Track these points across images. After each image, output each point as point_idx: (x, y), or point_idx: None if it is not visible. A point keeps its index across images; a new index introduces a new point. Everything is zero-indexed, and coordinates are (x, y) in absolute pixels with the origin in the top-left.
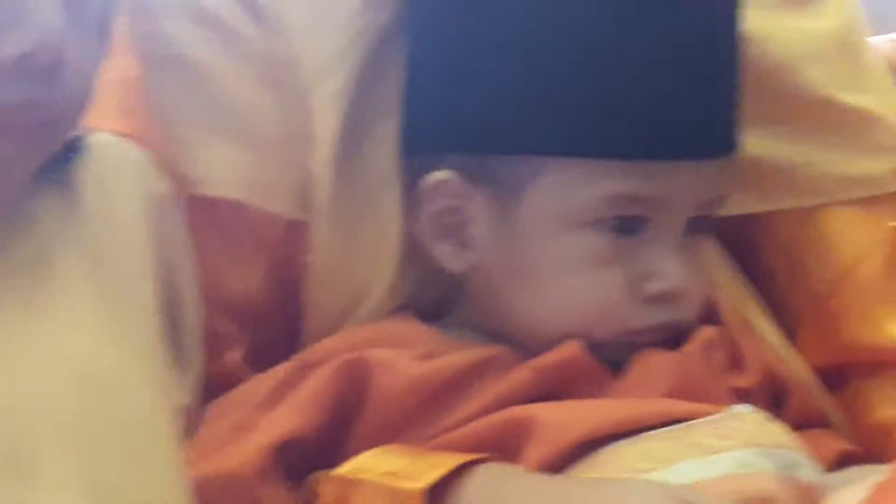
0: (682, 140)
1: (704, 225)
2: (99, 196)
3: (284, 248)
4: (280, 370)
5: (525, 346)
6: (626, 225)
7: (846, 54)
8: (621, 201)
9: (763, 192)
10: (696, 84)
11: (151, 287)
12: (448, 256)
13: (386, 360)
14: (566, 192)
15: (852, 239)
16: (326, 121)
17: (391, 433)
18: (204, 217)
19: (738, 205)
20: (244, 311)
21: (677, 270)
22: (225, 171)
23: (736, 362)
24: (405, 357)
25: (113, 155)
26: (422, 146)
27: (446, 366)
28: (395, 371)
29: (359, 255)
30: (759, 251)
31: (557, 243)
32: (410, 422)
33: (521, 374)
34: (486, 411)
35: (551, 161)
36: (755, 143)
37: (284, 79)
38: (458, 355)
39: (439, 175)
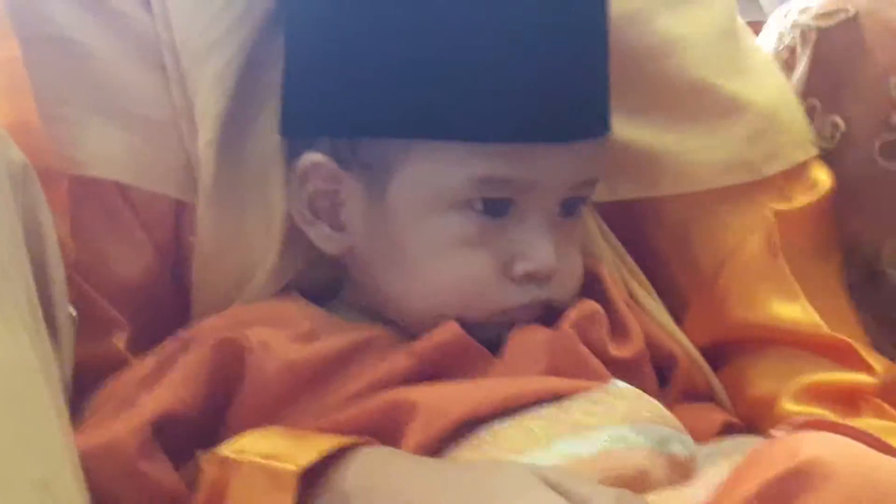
0: (547, 123)
1: (580, 206)
2: None
3: (170, 229)
4: (163, 347)
5: (404, 327)
6: (494, 207)
7: (725, 39)
8: (488, 184)
9: (648, 178)
10: (561, 67)
11: (21, 258)
12: (323, 238)
13: (263, 340)
14: (433, 175)
15: (734, 223)
16: (208, 104)
17: (268, 413)
18: (89, 199)
19: (625, 191)
20: (130, 293)
21: (546, 251)
22: (109, 152)
23: (619, 334)
24: (284, 338)
25: None
26: (298, 130)
27: (324, 348)
28: (271, 352)
29: (243, 236)
30: (649, 235)
31: (426, 225)
32: (287, 403)
33: (401, 359)
34: (366, 394)
35: (418, 144)
36: (638, 130)
37: (169, 62)
38: (337, 337)
39: (312, 158)
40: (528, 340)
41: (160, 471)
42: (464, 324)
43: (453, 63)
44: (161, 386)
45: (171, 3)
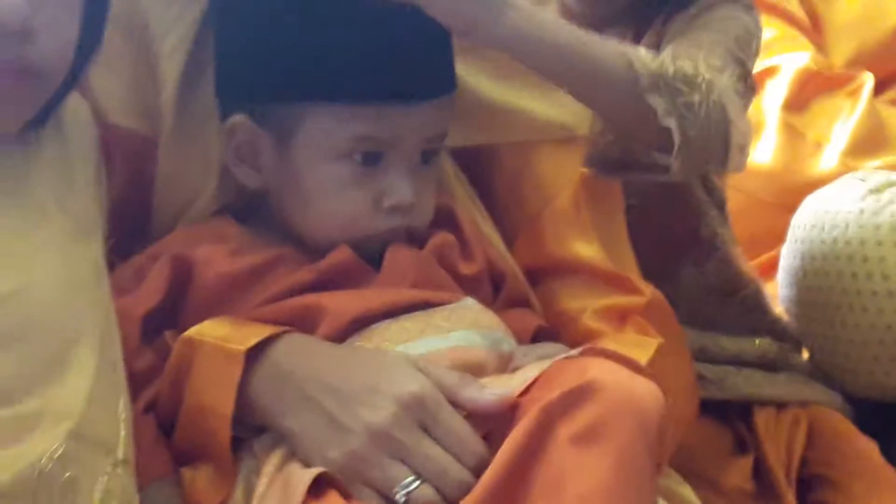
0: (403, 87)
1: (434, 157)
2: (59, 143)
3: (140, 160)
4: (136, 261)
5: (305, 246)
6: (369, 158)
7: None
8: (363, 140)
9: (493, 128)
10: (409, 43)
11: (98, 210)
12: (246, 177)
13: (205, 256)
14: (323, 133)
15: (554, 173)
16: (170, 68)
17: (210, 310)
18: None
19: (467, 137)
20: (112, 209)
21: (408, 189)
22: (113, 104)
23: (466, 256)
24: (220, 253)
25: (69, 106)
26: (225, 95)
27: (248, 261)
28: (211, 265)
29: (190, 170)
30: (491, 179)
31: (318, 171)
32: (223, 303)
33: (307, 273)
34: (281, 297)
35: (310, 109)
36: (495, 91)
37: (142, 36)
38: (257, 253)
39: (235, 119)
40: (399, 259)
41: (145, 349)
42: (351, 246)
43: (327, 45)
44: (140, 290)
45: None
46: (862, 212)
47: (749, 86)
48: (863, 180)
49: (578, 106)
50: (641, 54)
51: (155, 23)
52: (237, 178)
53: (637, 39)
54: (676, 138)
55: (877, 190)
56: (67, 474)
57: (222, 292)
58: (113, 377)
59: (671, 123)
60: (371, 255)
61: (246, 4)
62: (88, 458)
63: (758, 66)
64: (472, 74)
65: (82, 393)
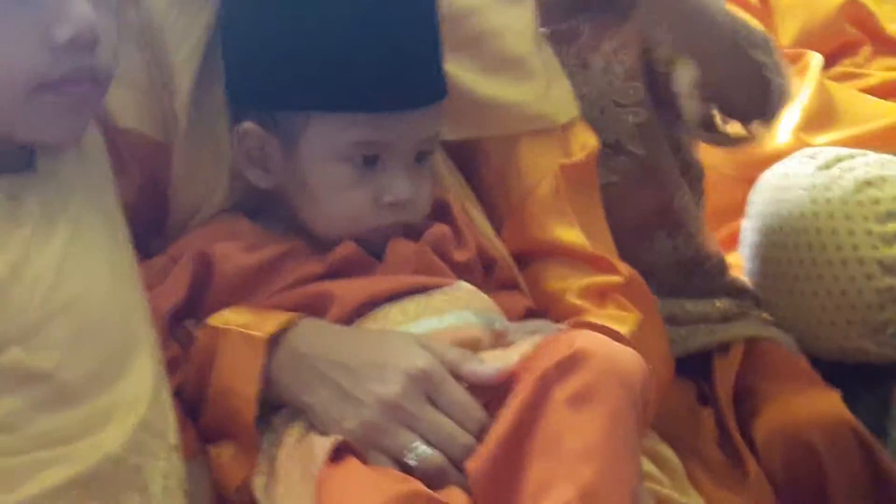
0: (401, 97)
1: (428, 156)
2: (82, 150)
3: (153, 164)
4: (157, 261)
5: (313, 239)
6: (368, 160)
7: (531, 30)
8: (362, 145)
9: (482, 123)
10: (404, 56)
11: (122, 216)
12: (257, 178)
13: (224, 252)
14: (326, 138)
15: (534, 168)
16: (184, 76)
17: (230, 302)
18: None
19: (456, 131)
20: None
21: (405, 187)
22: (126, 110)
23: (460, 244)
24: (236, 249)
25: None
26: (234, 100)
27: (263, 255)
28: (229, 260)
29: (204, 170)
30: (480, 170)
31: (322, 173)
32: (242, 294)
33: (317, 266)
34: (294, 286)
35: (314, 117)
36: (485, 87)
37: (157, 48)
38: (270, 247)
39: (245, 126)
40: (400, 251)
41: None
42: (355, 240)
43: (327, 58)
44: (166, 286)
45: (154, 4)
46: (814, 187)
47: None
48: (812, 157)
49: (560, 96)
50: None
51: (168, 35)
52: (248, 179)
53: (605, 29)
54: (780, 91)
55: (826, 166)
56: (135, 461)
57: (241, 284)
58: (160, 368)
59: (776, 77)
60: (374, 249)
61: (251, 16)
62: (151, 445)
63: None
64: (460, 70)
65: (147, 385)
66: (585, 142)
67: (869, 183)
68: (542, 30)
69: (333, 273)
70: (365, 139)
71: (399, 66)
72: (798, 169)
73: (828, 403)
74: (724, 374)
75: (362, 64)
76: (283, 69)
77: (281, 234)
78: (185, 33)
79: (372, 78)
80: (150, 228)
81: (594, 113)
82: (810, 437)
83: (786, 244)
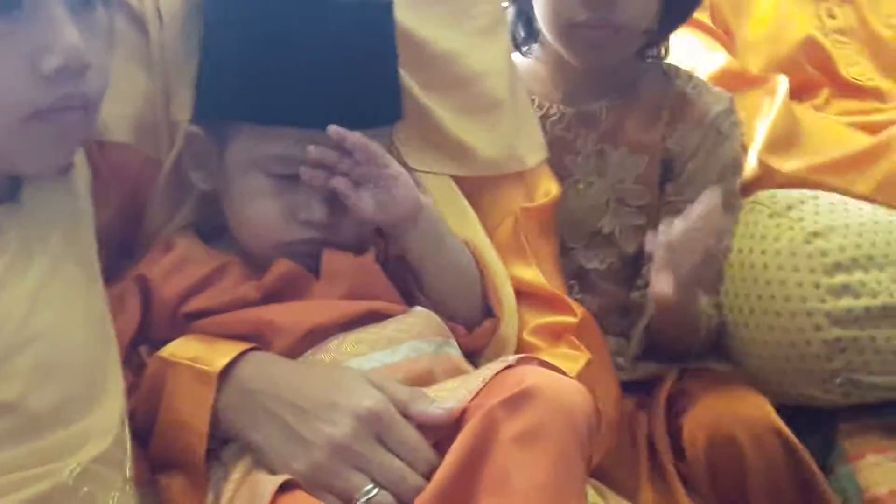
0: (321, 114)
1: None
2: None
3: (138, 179)
4: (117, 288)
5: (248, 256)
6: (286, 173)
7: (509, 69)
8: (279, 159)
9: (445, 160)
10: (335, 72)
11: (96, 253)
12: (198, 180)
13: (157, 272)
14: (247, 149)
15: (498, 207)
16: (186, 99)
17: (171, 322)
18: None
19: (427, 164)
20: (102, 230)
21: (321, 208)
22: (117, 122)
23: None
24: (168, 266)
25: None
26: (196, 112)
27: (194, 273)
28: (166, 280)
29: (176, 188)
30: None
31: (242, 181)
32: (179, 315)
33: (252, 290)
34: (231, 307)
35: (242, 126)
36: (455, 125)
37: (162, 67)
38: (203, 264)
39: (192, 129)
40: (335, 266)
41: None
42: (273, 253)
43: (249, 73)
44: (124, 317)
45: (166, 35)
46: (763, 238)
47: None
48: (765, 205)
49: (530, 140)
50: None
51: (174, 55)
52: (191, 180)
53: (624, 119)
54: None
55: (776, 214)
56: (89, 489)
57: (178, 303)
58: (124, 401)
59: None
60: (311, 263)
61: (208, 24)
62: (108, 476)
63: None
64: (442, 110)
65: (115, 420)
66: (548, 189)
67: (816, 234)
68: (568, 109)
69: (270, 295)
70: (282, 154)
71: (323, 86)
72: (750, 217)
73: (754, 404)
74: (661, 386)
75: (284, 78)
76: (210, 79)
77: (221, 250)
78: (195, 52)
79: (293, 95)
80: (120, 251)
81: (600, 201)
82: (733, 431)
83: (737, 293)
